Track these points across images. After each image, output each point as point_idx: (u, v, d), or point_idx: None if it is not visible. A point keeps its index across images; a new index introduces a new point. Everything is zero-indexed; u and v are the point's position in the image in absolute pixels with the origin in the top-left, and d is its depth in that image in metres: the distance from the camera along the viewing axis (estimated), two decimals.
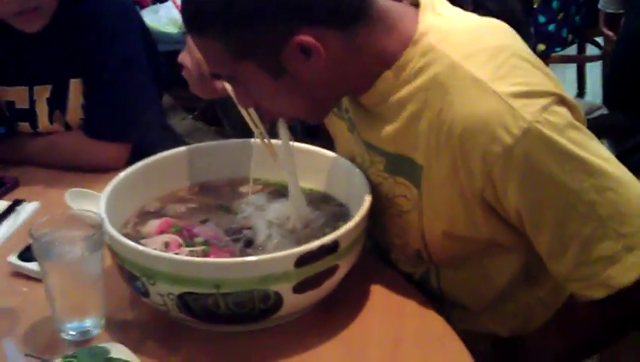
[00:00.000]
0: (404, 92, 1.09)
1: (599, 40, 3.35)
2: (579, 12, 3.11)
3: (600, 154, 1.02)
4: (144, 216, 1.26)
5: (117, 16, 1.67)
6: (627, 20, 2.43)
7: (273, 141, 1.28)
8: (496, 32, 1.11)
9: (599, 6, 2.78)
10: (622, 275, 1.01)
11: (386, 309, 1.15)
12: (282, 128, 1.20)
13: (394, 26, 1.09)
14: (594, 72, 3.63)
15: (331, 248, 1.06)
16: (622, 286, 1.01)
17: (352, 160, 1.26)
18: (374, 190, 1.17)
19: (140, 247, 1.08)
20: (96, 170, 1.59)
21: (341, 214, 1.25)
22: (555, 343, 1.15)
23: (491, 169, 1.02)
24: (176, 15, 2.84)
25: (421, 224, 1.14)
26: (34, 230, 1.07)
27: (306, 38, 1.02)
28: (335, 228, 1.20)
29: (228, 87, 1.22)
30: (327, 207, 1.27)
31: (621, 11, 2.63)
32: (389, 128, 1.12)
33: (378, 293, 1.17)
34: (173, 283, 1.04)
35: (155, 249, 1.12)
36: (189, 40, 1.23)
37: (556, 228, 1.02)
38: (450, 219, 1.10)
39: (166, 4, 3.01)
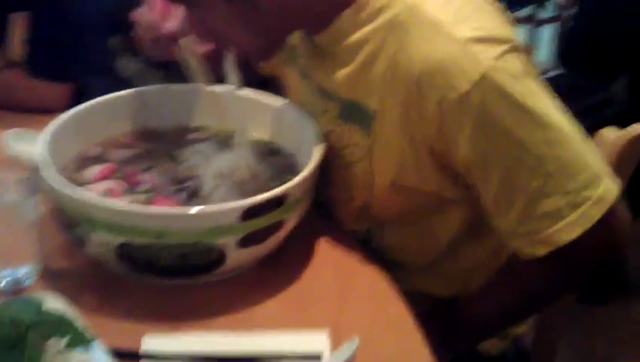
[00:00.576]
0: (361, 33, 1.06)
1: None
2: None
3: (551, 107, 1.02)
4: (85, 161, 1.21)
5: None
6: None
7: (222, 87, 1.24)
8: None
9: None
10: (565, 232, 1.01)
11: (331, 267, 1.12)
12: (231, 72, 1.16)
13: None
14: (545, 33, 3.64)
15: (278, 202, 1.03)
16: (564, 243, 1.02)
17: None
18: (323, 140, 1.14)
19: (78, 193, 1.03)
20: (38, 111, 1.53)
21: (290, 166, 1.21)
22: (496, 301, 1.14)
23: (445, 115, 1.00)
24: None
25: (370, 174, 1.11)
26: None
27: None
28: (283, 180, 1.17)
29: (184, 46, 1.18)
30: (276, 159, 1.23)
31: None
32: (344, 72, 1.09)
33: (323, 250, 1.15)
34: (112, 231, 1.00)
35: (96, 195, 1.08)
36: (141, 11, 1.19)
37: (504, 181, 1.02)
38: (399, 169, 1.08)
39: None
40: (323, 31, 1.09)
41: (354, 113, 1.10)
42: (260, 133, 1.27)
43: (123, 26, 1.84)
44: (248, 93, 1.26)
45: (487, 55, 0.98)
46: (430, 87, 0.99)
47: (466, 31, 0.99)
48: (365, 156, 1.11)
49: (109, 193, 1.12)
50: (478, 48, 0.98)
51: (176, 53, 1.21)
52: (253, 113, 1.26)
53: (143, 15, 1.21)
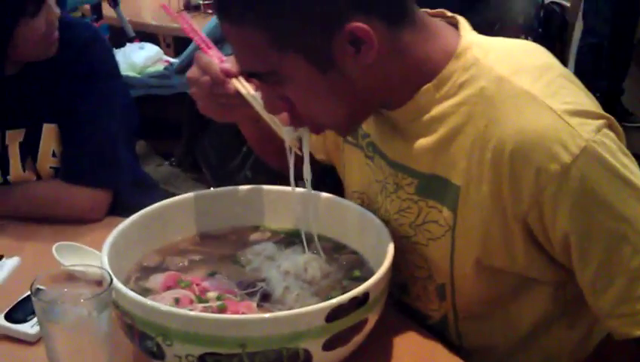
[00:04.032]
0: (443, 106, 1.04)
1: None
2: None
3: None
4: (145, 270, 1.18)
5: (97, 56, 1.60)
6: None
7: (276, 187, 1.23)
8: (538, 52, 1.08)
9: None
10: None
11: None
12: (308, 175, 1.15)
13: (436, 37, 1.05)
14: None
15: (362, 300, 1.00)
16: None
17: (366, 192, 1.21)
18: (396, 218, 1.11)
19: (157, 305, 1.00)
20: (76, 221, 1.51)
21: (355, 262, 1.18)
22: None
23: (543, 189, 0.97)
24: (136, 59, 2.76)
25: (452, 253, 1.07)
26: (34, 289, 0.98)
27: (362, 26, 0.96)
28: (352, 277, 1.14)
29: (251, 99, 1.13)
30: (341, 256, 1.20)
31: None
32: (424, 145, 1.07)
33: (400, 346, 1.11)
34: (193, 343, 0.96)
35: (169, 306, 1.04)
36: (198, 55, 1.15)
37: (604, 259, 0.98)
38: (485, 247, 1.04)
39: (123, 49, 2.93)
40: (401, 107, 1.07)
41: (434, 188, 1.07)
42: (323, 230, 1.23)
43: (150, 131, 1.85)
44: (302, 190, 1.22)
45: (586, 128, 0.96)
46: (526, 159, 0.97)
47: (560, 104, 0.98)
48: (447, 233, 1.07)
49: (178, 302, 1.08)
50: (577, 121, 0.97)
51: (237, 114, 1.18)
52: (309, 210, 1.23)
53: (196, 72, 1.15)
